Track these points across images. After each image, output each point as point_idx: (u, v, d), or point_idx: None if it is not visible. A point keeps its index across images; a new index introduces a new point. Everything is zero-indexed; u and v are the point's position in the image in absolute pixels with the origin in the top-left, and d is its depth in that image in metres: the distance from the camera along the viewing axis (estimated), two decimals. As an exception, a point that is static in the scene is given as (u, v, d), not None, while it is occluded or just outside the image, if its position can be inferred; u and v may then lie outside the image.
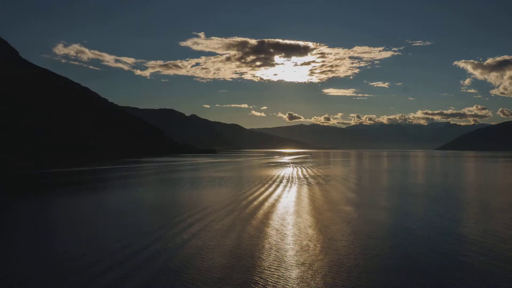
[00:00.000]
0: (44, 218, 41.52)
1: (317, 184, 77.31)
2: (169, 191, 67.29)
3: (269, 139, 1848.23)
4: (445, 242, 30.82)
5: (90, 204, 53.53)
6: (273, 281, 22.03)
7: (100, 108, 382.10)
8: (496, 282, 21.93)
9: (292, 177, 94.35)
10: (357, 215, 42.58)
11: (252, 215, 42.04)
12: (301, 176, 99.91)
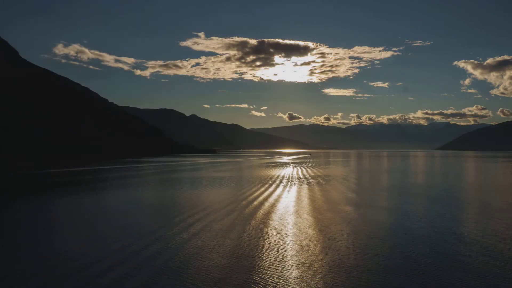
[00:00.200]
0: (44, 218, 41.52)
1: (317, 184, 77.31)
2: (169, 191, 67.29)
3: (269, 139, 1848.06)
4: (445, 242, 30.82)
5: (90, 204, 53.54)
6: (273, 281, 22.03)
7: (100, 108, 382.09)
8: (496, 282, 21.92)
9: (292, 177, 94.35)
10: (357, 215, 42.58)
11: (252, 215, 42.04)
12: (301, 176, 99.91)
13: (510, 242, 30.84)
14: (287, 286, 21.35)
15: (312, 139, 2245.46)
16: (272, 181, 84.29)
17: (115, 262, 25.03)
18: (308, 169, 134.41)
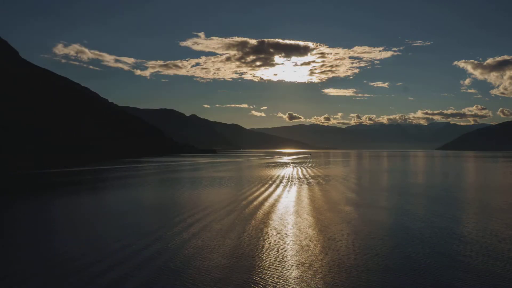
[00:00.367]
0: (44, 218, 41.51)
1: (317, 184, 77.31)
2: (169, 191, 67.28)
3: (269, 139, 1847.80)
4: (445, 242, 30.81)
5: (90, 204, 53.53)
6: (273, 281, 22.02)
7: (100, 108, 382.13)
8: (496, 282, 21.92)
9: (292, 177, 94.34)
10: (357, 215, 42.57)
11: (252, 215, 42.03)
12: (301, 176, 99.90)
13: (510, 242, 30.83)
14: (287, 286, 21.34)
15: (312, 139, 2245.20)
16: (272, 181, 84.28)
17: (115, 262, 25.03)
18: (308, 169, 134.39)
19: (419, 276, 22.85)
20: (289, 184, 76.74)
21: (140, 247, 28.71)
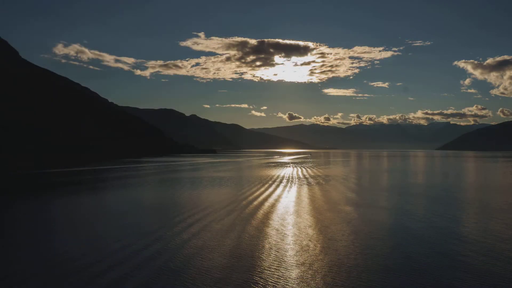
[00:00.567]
0: (44, 218, 41.50)
1: (317, 184, 77.30)
2: (169, 191, 67.27)
3: (269, 139, 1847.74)
4: (445, 242, 30.81)
5: (90, 204, 53.52)
6: (273, 281, 22.02)
7: (100, 108, 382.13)
8: (496, 282, 21.92)
9: (292, 177, 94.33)
10: (357, 215, 42.57)
11: (252, 215, 42.03)
12: (301, 176, 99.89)
13: (510, 242, 30.83)
14: (287, 286, 21.34)
15: (312, 139, 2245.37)
16: (272, 181, 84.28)
17: (115, 262, 25.02)
18: (308, 169, 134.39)
19: (419, 276, 22.85)
20: (289, 184, 76.73)
21: (140, 247, 28.70)
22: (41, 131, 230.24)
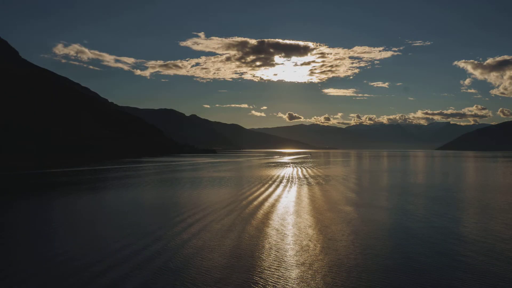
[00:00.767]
0: (44, 218, 41.49)
1: (317, 184, 77.29)
2: (169, 191, 67.25)
3: (269, 139, 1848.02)
4: (445, 242, 30.80)
5: (90, 204, 53.50)
6: (273, 281, 22.02)
7: (100, 108, 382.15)
8: (496, 282, 21.91)
9: (292, 177, 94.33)
10: (357, 215, 42.56)
11: (252, 215, 42.03)
12: (301, 176, 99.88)
13: (510, 242, 30.82)
14: (287, 286, 21.34)
15: (312, 139, 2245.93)
16: (272, 181, 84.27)
17: (115, 262, 25.02)
18: (308, 169, 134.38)
19: (419, 276, 22.84)
20: (289, 184, 76.73)
21: (140, 247, 28.69)
22: (41, 131, 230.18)
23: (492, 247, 29.36)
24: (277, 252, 27.80)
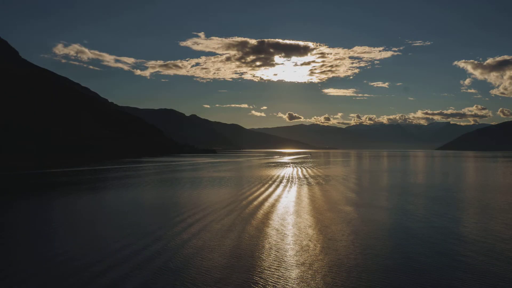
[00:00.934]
0: (44, 218, 41.50)
1: (317, 184, 77.29)
2: (169, 191, 67.25)
3: (269, 139, 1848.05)
4: (445, 242, 30.80)
5: (90, 204, 53.50)
6: (273, 281, 22.02)
7: (100, 108, 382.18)
8: (496, 282, 21.91)
9: (292, 177, 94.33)
10: (357, 215, 42.56)
11: (252, 215, 42.03)
12: (301, 176, 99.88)
13: (510, 242, 30.82)
14: (287, 286, 21.34)
15: (312, 139, 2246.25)
16: (272, 181, 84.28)
17: (115, 262, 25.02)
18: (308, 169, 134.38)
19: (419, 276, 22.84)
20: (289, 184, 76.73)
21: (140, 247, 28.69)
22: (41, 131, 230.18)
23: (492, 247, 29.36)
24: (277, 252, 27.80)
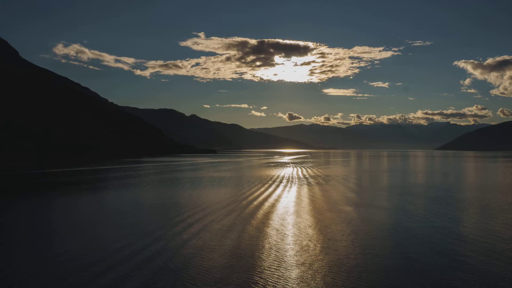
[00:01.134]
0: (44, 218, 41.50)
1: (317, 184, 77.29)
2: (169, 191, 67.25)
3: (269, 139, 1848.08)
4: (445, 242, 30.80)
5: (90, 204, 53.50)
6: (273, 281, 22.02)
7: (100, 108, 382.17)
8: (496, 282, 21.92)
9: (292, 177, 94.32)
10: (357, 215, 42.56)
11: (252, 215, 42.03)
12: (301, 176, 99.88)
13: (510, 242, 30.82)
14: (287, 286, 21.34)
15: (312, 139, 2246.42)
16: (272, 181, 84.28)
17: (115, 262, 25.02)
18: (308, 169, 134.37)
19: (419, 276, 22.84)
20: (289, 184, 76.73)
21: (140, 247, 28.70)
22: (41, 131, 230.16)
23: (492, 247, 29.36)
24: (277, 252, 27.80)
